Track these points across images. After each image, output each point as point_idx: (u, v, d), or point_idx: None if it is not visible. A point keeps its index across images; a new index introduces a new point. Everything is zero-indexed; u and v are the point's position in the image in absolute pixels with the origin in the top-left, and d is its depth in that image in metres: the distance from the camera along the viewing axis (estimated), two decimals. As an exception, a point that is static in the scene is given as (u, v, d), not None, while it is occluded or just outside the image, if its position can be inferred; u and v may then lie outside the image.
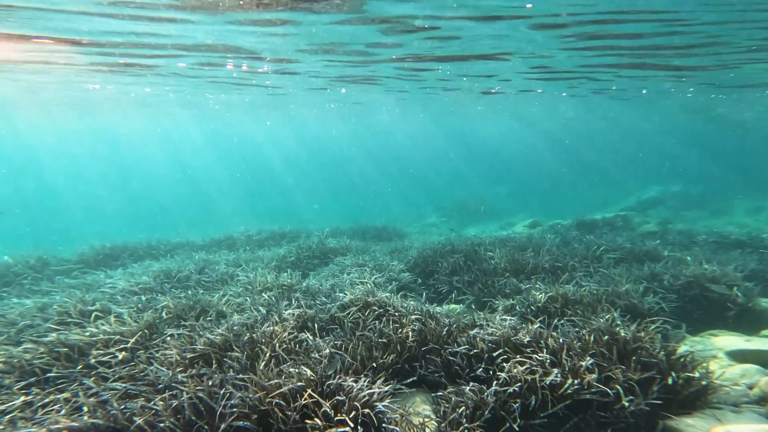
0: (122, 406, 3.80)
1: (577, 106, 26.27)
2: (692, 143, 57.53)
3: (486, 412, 4.04)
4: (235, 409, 3.56)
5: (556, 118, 34.20)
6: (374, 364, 4.79)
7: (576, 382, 4.11)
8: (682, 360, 5.06)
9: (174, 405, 3.65)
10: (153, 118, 33.29)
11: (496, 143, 67.33)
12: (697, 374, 4.97)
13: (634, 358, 4.69)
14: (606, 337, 4.95)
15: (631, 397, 4.20)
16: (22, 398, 4.65)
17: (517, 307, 6.93)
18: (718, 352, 6.46)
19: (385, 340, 5.20)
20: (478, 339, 5.03)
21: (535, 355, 4.54)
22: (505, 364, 4.66)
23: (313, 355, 4.73)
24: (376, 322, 5.70)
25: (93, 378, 4.88)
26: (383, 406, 3.84)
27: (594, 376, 4.20)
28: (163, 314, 6.80)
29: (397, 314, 5.77)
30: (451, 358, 4.95)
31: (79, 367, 5.23)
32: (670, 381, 4.69)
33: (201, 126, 41.55)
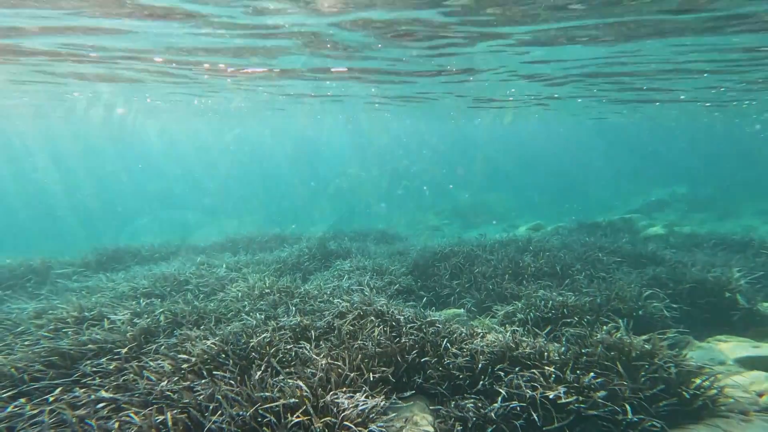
0: (107, 422, 3.70)
1: (584, 108, 26.10)
2: (700, 144, 57.06)
3: (489, 430, 3.93)
4: (224, 426, 3.44)
5: (559, 120, 34.01)
6: (371, 376, 4.67)
7: (581, 399, 3.98)
8: (690, 370, 4.93)
9: (160, 420, 3.54)
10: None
11: (500, 146, 67.06)
12: (705, 383, 4.84)
13: (642, 372, 4.55)
14: (611, 351, 4.82)
15: (641, 416, 4.07)
16: (11, 408, 4.56)
17: (518, 315, 6.79)
18: (725, 359, 6.30)
19: (382, 350, 5.07)
20: (477, 351, 4.90)
21: (537, 370, 4.40)
22: (506, 378, 4.54)
23: (309, 370, 4.61)
24: (375, 330, 5.57)
25: (84, 390, 4.78)
26: (379, 425, 3.72)
27: (602, 393, 4.07)
28: (161, 318, 6.71)
29: (394, 323, 5.65)
30: (452, 371, 4.82)
31: (76, 375, 5.14)
32: (680, 392, 4.56)
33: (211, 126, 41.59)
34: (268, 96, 20.12)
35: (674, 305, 7.25)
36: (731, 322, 7.33)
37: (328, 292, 8.08)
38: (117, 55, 11.81)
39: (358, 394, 4.26)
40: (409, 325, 5.59)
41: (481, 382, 4.60)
